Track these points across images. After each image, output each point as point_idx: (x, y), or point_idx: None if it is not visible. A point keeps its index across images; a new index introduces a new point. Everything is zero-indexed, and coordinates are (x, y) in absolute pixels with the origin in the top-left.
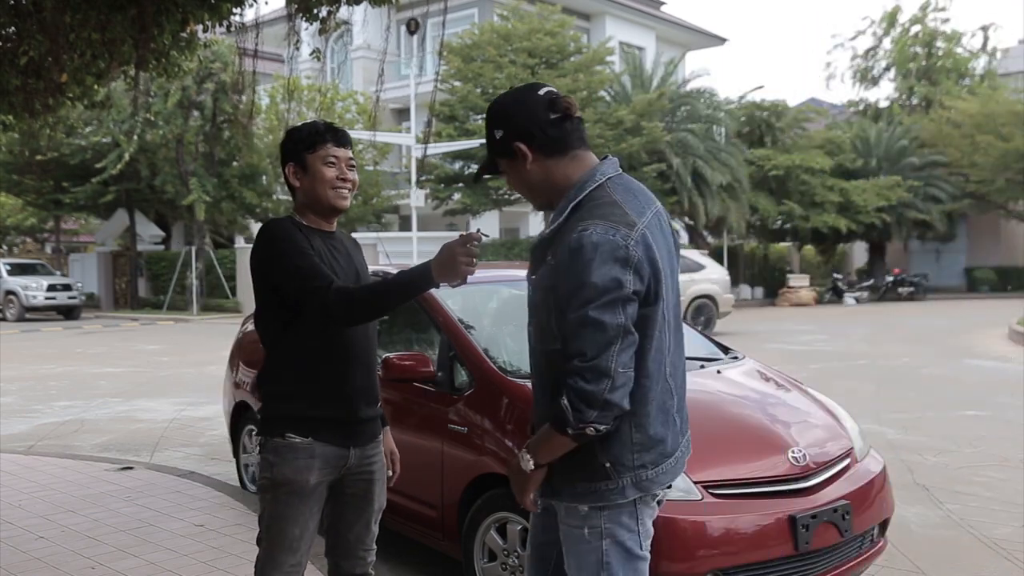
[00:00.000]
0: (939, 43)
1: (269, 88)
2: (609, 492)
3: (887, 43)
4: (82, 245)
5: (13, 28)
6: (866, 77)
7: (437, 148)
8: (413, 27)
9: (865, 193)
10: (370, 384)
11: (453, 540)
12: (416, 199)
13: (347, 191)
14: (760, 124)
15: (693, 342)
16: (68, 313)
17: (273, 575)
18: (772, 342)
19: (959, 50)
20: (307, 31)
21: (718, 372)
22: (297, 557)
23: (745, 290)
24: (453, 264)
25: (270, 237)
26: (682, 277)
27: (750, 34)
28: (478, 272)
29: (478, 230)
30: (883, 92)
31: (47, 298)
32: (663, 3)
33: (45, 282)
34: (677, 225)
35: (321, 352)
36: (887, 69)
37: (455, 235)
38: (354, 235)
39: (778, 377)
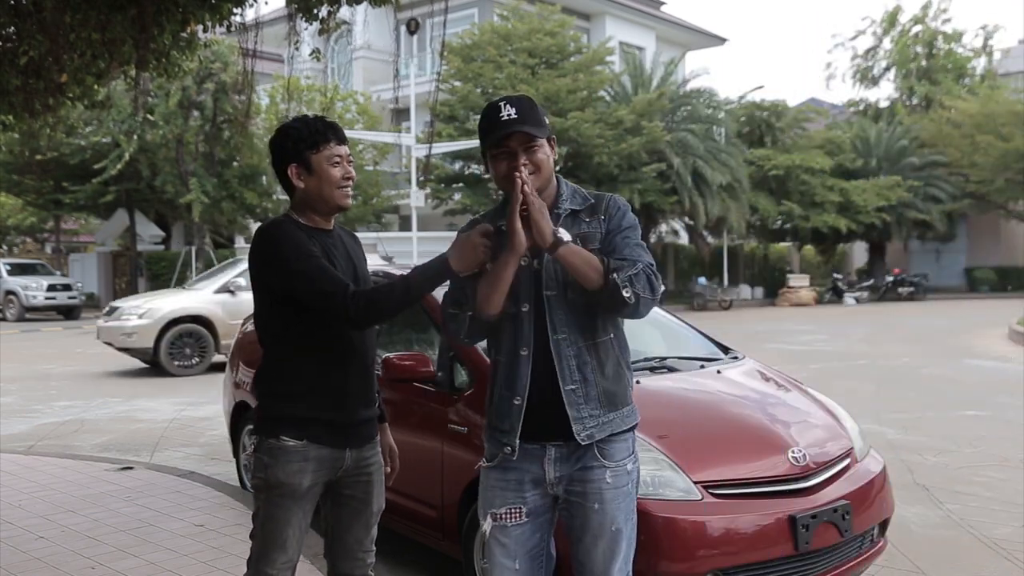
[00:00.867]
0: (939, 43)
1: (269, 88)
2: (633, 441)
3: (887, 43)
4: (82, 245)
5: (13, 28)
6: (866, 77)
7: (438, 148)
8: (413, 27)
9: (865, 193)
10: (368, 385)
11: (453, 540)
12: (416, 199)
13: (350, 189)
14: (760, 124)
15: (693, 342)
16: (68, 313)
17: (265, 571)
18: (772, 342)
19: (959, 50)
20: (307, 31)
21: (718, 372)
22: (288, 555)
23: (745, 290)
24: (471, 250)
25: (273, 240)
26: None
27: (750, 34)
28: None
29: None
30: (883, 92)
31: (47, 298)
32: (663, 3)
33: (45, 282)
34: (677, 225)
35: (319, 352)
36: (887, 69)
37: (455, 235)
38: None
39: (778, 377)
